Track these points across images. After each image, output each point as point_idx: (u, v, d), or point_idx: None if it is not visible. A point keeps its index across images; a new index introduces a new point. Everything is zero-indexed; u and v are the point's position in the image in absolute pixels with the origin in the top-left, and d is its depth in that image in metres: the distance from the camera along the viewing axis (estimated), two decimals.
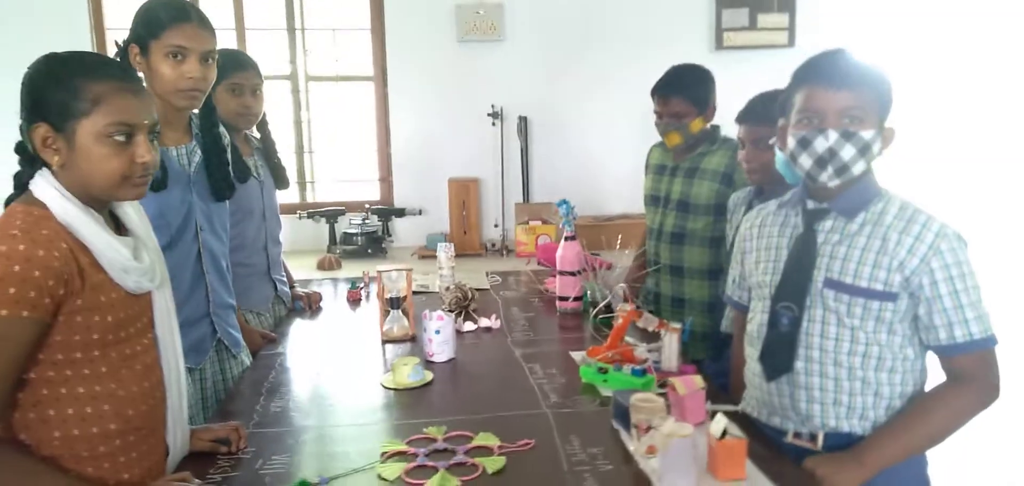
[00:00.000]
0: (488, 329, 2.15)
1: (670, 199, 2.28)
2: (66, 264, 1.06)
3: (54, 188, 1.10)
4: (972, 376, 1.24)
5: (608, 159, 3.75)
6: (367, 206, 3.63)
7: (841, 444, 1.31)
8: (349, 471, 1.27)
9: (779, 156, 1.45)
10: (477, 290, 2.42)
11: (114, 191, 1.13)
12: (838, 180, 1.29)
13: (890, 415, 1.30)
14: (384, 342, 2.05)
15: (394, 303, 2.08)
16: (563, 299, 2.29)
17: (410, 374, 1.69)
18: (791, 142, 1.33)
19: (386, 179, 3.74)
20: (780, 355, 1.36)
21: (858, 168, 1.28)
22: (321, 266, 3.21)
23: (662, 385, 1.60)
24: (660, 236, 2.30)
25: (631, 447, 1.31)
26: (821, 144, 1.28)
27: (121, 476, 1.14)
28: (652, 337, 1.83)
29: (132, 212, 1.24)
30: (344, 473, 1.26)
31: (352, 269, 3.15)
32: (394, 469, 1.26)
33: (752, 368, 1.44)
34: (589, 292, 2.24)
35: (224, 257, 1.83)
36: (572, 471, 1.25)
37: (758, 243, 1.47)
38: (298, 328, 2.26)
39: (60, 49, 1.14)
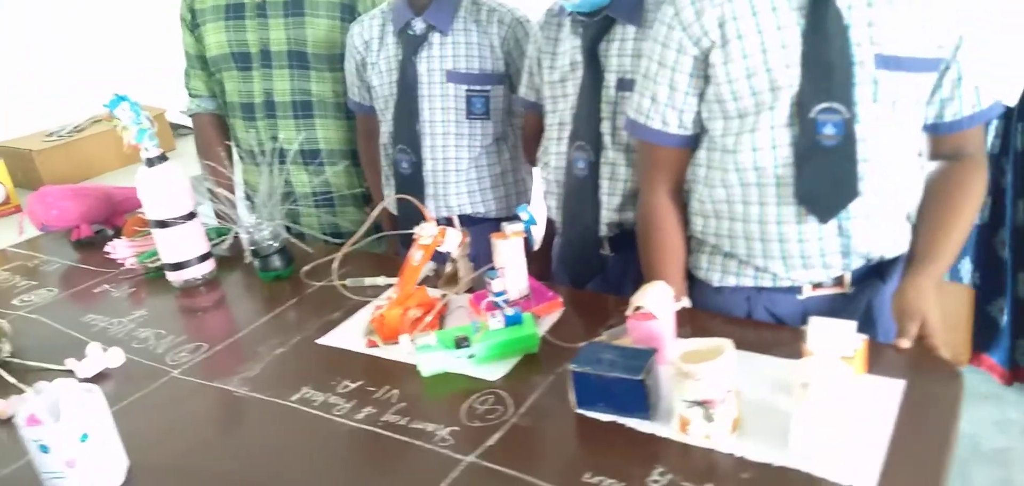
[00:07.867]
0: (104, 374, 1.08)
1: (271, 52, 1.55)
2: None
3: None
4: (977, 148, 1.02)
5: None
6: None
7: (864, 277, 1.03)
8: None
9: None
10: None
11: None
12: None
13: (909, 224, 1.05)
14: None
15: None
16: (178, 267, 1.30)
17: None
18: None
19: None
20: (839, 178, 0.94)
21: None
22: None
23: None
24: (275, 108, 1.57)
25: (699, 436, 0.77)
26: None
27: None
28: (439, 258, 1.17)
29: None
30: None
31: None
32: None
33: (758, 215, 1.01)
34: (245, 234, 1.33)
35: None
36: None
37: (735, 27, 0.96)
38: None
39: None
